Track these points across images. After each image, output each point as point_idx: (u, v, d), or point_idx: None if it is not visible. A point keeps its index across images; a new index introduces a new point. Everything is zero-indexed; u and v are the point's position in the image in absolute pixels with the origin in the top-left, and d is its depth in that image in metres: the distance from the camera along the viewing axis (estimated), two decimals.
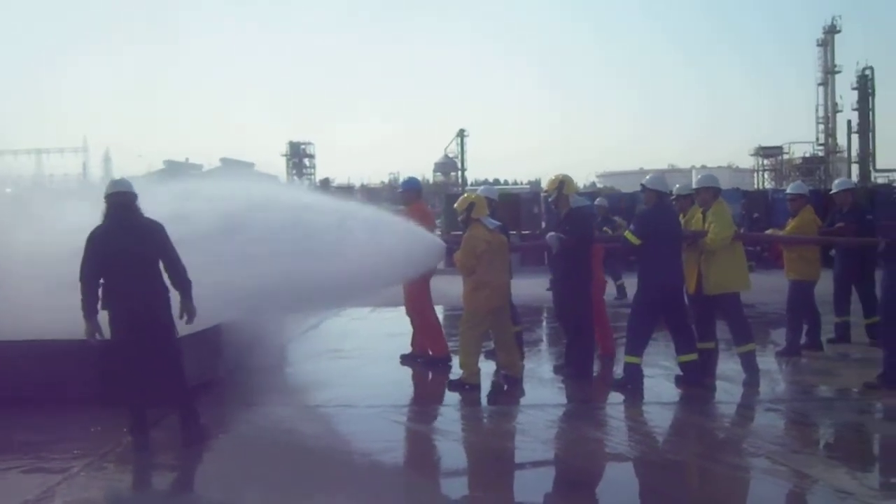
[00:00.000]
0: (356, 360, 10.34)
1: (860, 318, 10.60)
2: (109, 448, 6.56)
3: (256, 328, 8.96)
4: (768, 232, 11.42)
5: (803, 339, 10.16)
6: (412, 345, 10.10)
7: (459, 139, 72.62)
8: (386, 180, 73.81)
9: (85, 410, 7.42)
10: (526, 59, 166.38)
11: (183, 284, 6.63)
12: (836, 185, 11.12)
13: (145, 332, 6.49)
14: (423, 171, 70.83)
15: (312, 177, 71.78)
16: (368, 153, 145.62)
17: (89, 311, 6.42)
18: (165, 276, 6.66)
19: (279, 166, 72.55)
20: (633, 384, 8.38)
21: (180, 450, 6.58)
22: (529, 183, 68.93)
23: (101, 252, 6.43)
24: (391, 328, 12.27)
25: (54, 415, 7.40)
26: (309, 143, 75.20)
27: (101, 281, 6.48)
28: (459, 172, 72.59)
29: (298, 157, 74.02)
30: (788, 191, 10.81)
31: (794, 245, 10.10)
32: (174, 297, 6.68)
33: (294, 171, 72.18)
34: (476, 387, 8.45)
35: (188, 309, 6.66)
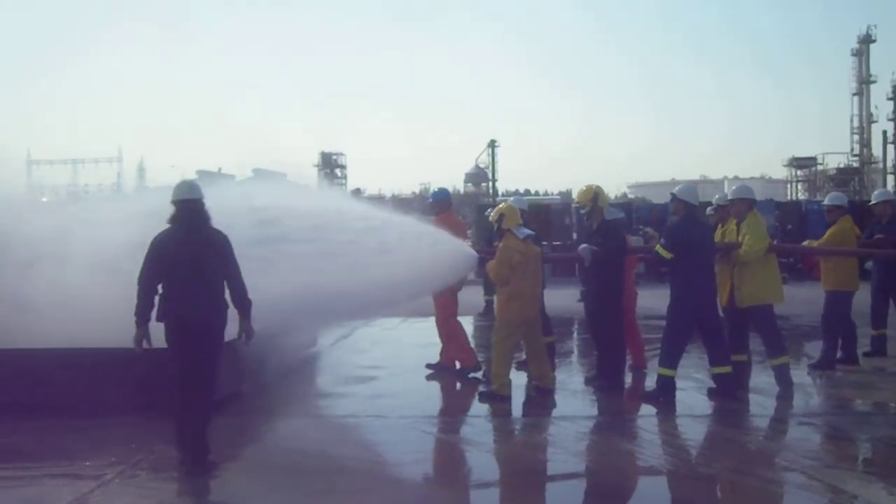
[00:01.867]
0: (386, 370, 10.35)
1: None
2: (143, 456, 6.61)
3: (285, 339, 8.95)
4: (805, 244, 11.32)
5: (839, 353, 10.04)
6: (441, 354, 10.11)
7: (490, 150, 72.55)
8: (417, 191, 73.93)
9: (119, 418, 7.47)
10: (556, 69, 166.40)
11: (243, 302, 6.35)
12: (875, 197, 11.00)
13: (198, 343, 6.25)
14: (454, 181, 70.77)
15: (344, 187, 72.01)
16: (400, 164, 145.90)
17: (142, 318, 6.18)
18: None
19: (311, 176, 72.88)
20: (665, 396, 8.33)
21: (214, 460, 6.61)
22: (560, 193, 68.74)
23: (163, 258, 6.19)
24: (422, 338, 12.27)
25: (87, 422, 7.46)
26: (340, 154, 75.52)
27: (160, 288, 6.25)
28: (490, 183, 72.53)
29: (330, 167, 74.28)
30: (826, 202, 10.70)
31: (830, 256, 9.99)
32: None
33: (326, 182, 72.49)
34: (507, 398, 8.44)
35: (246, 329, 6.43)
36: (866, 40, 66.47)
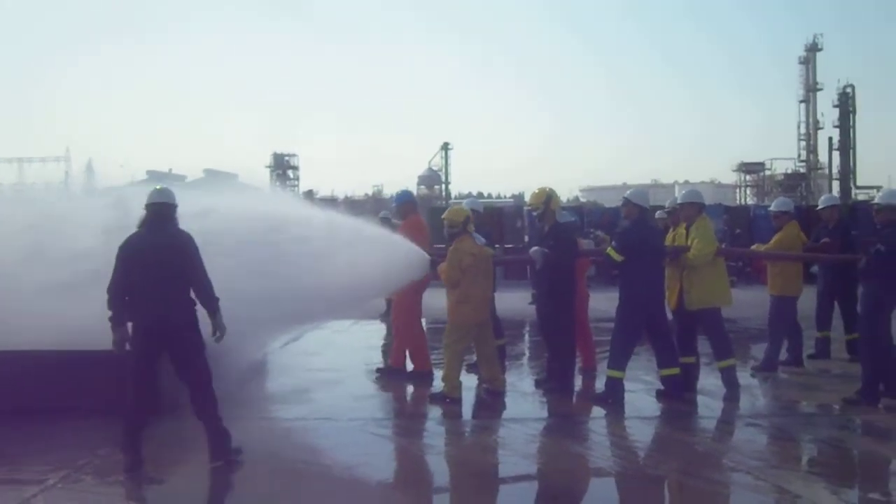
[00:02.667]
0: (337, 372, 10.27)
1: (841, 333, 10.65)
2: (87, 460, 6.49)
3: (234, 342, 8.82)
4: (753, 247, 11.48)
5: (784, 355, 10.21)
6: (391, 357, 10.09)
7: (444, 152, 72.75)
8: (370, 192, 73.79)
9: (63, 422, 7.36)
10: (511, 73, 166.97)
11: (209, 301, 6.39)
12: (822, 202, 11.18)
13: (166, 346, 6.32)
14: (407, 183, 70.77)
15: (296, 188, 71.58)
16: (352, 165, 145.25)
17: (117, 320, 6.24)
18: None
19: (263, 178, 72.37)
20: (614, 398, 8.40)
21: (159, 465, 6.52)
22: (513, 197, 69.02)
23: (128, 260, 6.27)
24: (372, 341, 12.25)
25: (30, 426, 7.32)
26: (293, 155, 75.07)
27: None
28: (443, 186, 72.64)
29: (282, 168, 73.83)
30: (773, 207, 10.84)
31: (777, 261, 10.14)
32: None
33: (278, 183, 72.00)
34: (457, 400, 8.45)
35: (218, 326, 6.45)
36: (813, 48, 67.74)
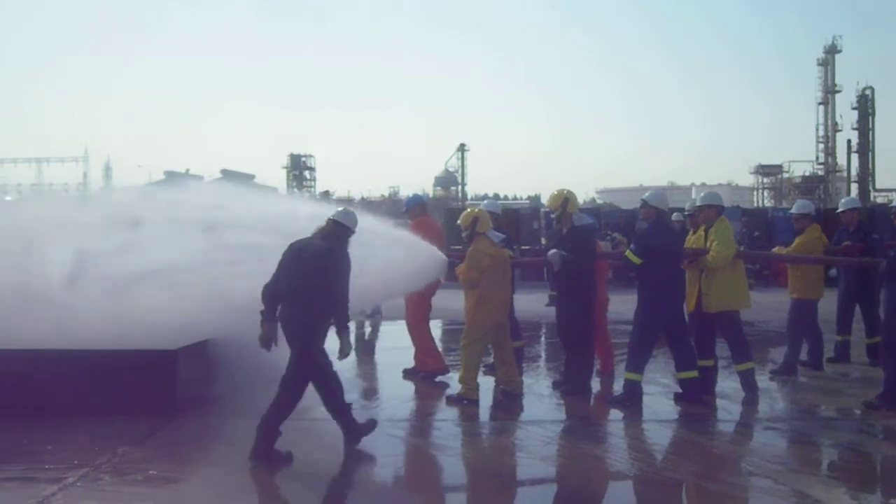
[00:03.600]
0: (353, 373, 10.27)
1: (861, 337, 10.58)
2: (106, 459, 6.50)
3: (252, 341, 8.84)
4: (774, 250, 11.41)
5: (804, 358, 10.15)
6: (415, 359, 10.09)
7: (460, 154, 72.83)
8: (386, 193, 73.88)
9: (82, 420, 7.39)
10: (527, 75, 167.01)
11: (340, 322, 6.82)
12: (842, 204, 11.07)
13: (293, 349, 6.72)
14: (424, 184, 70.98)
15: (313, 189, 71.80)
16: (369, 166, 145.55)
17: (268, 315, 6.66)
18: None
19: (280, 178, 72.66)
20: (631, 401, 8.38)
21: (179, 462, 6.59)
22: (529, 198, 69.07)
23: (287, 264, 6.69)
24: (388, 342, 12.23)
25: (49, 424, 7.34)
26: (309, 156, 75.21)
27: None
28: (460, 187, 72.69)
29: (299, 169, 74.03)
30: (794, 210, 10.79)
31: (798, 264, 10.09)
32: None
33: (294, 184, 72.23)
34: (474, 402, 8.44)
35: (344, 344, 6.89)
36: (832, 50, 67.41)
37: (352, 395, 9.10)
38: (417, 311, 9.79)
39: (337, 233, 6.88)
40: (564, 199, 9.00)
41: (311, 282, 6.58)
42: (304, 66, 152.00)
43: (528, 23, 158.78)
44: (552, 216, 9.35)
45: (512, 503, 6.16)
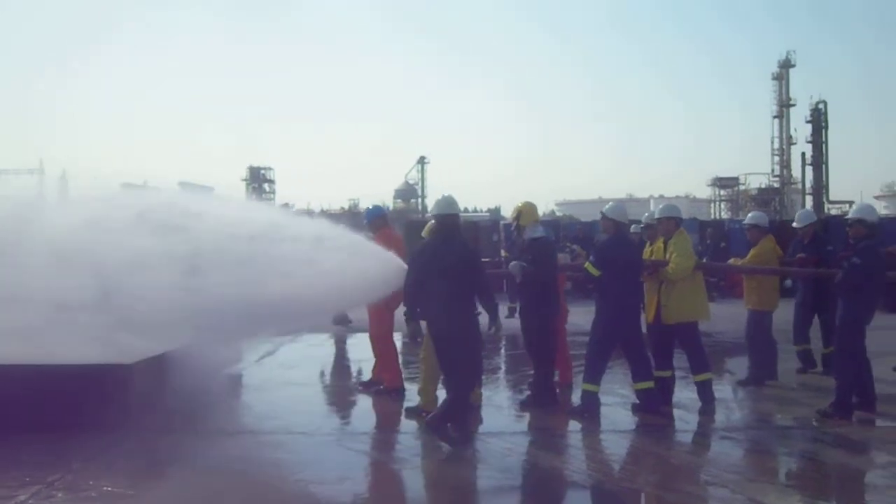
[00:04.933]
0: (313, 387, 10.23)
1: (818, 346, 10.70)
2: (59, 475, 6.38)
3: (209, 355, 8.75)
4: (730, 261, 11.52)
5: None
6: (373, 372, 10.05)
7: (420, 166, 72.86)
8: (346, 206, 73.62)
9: (34, 436, 7.24)
10: (488, 88, 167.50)
11: (490, 303, 7.55)
12: (799, 219, 10.96)
13: (466, 336, 7.26)
14: (384, 197, 70.70)
15: (272, 201, 71.32)
16: (328, 179, 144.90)
17: (412, 315, 7.37)
18: None
19: (239, 190, 72.06)
20: (589, 412, 8.41)
21: (135, 478, 6.48)
22: (489, 210, 69.13)
23: (427, 265, 7.33)
24: (349, 355, 12.19)
25: (0, 441, 7.15)
26: (269, 168, 74.79)
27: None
28: (420, 199, 72.69)
29: (258, 181, 73.57)
30: (747, 221, 10.89)
31: (755, 275, 10.22)
32: None
33: (254, 196, 71.71)
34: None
35: (498, 326, 7.73)
36: (786, 65, 68.38)
37: (308, 407, 9.09)
38: (381, 324, 9.74)
39: (457, 223, 7.72)
40: (518, 212, 9.08)
41: (467, 276, 7.32)
42: (262, 77, 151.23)
43: (492, 34, 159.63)
44: (512, 228, 9.37)
45: None
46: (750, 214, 11.25)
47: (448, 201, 7.70)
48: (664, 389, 8.85)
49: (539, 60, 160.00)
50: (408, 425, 8.40)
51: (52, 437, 7.22)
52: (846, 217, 9.24)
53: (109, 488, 6.20)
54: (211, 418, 8.44)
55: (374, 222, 10.07)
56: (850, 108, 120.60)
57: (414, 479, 6.94)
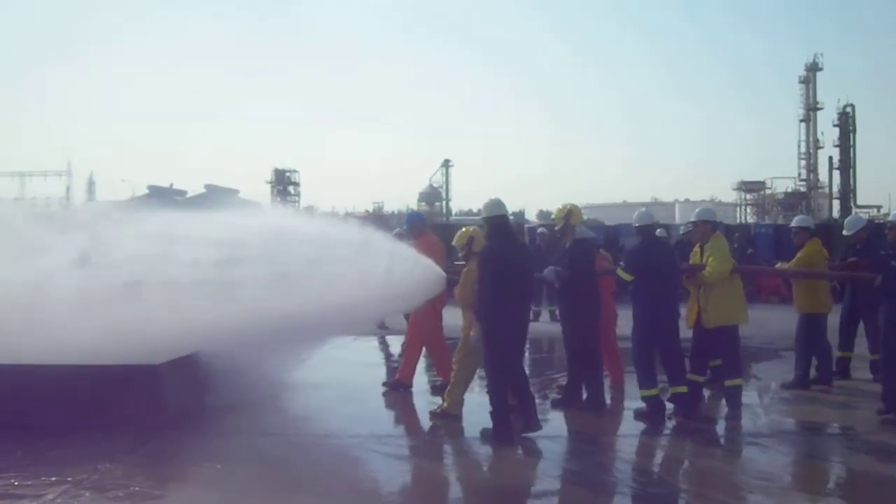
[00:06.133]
0: (336, 389, 10.16)
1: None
2: (87, 475, 6.40)
3: (241, 359, 8.70)
4: (777, 265, 11.43)
5: (813, 374, 10.12)
6: (398, 371, 10.07)
7: (444, 169, 72.77)
8: (370, 209, 73.78)
9: (62, 437, 7.25)
10: (512, 91, 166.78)
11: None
12: (848, 226, 10.69)
13: (523, 333, 7.83)
14: (408, 200, 70.65)
15: (297, 204, 71.55)
16: (353, 182, 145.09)
17: (484, 317, 7.44)
18: None
19: (264, 193, 72.35)
20: (656, 416, 8.40)
21: (163, 478, 6.51)
22: (513, 214, 69.05)
23: (500, 266, 7.47)
24: (373, 358, 12.15)
25: (28, 440, 7.19)
26: (294, 171, 74.87)
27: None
28: (444, 202, 72.65)
29: (283, 184, 73.67)
30: (794, 224, 10.82)
31: (798, 279, 10.15)
32: None
33: (279, 199, 71.97)
34: (458, 417, 8.37)
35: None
36: (813, 68, 67.77)
37: (333, 410, 9.08)
38: (426, 322, 9.71)
39: (507, 222, 8.10)
40: (568, 212, 9.02)
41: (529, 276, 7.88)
42: (287, 80, 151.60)
43: (515, 39, 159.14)
44: (556, 229, 9.29)
45: None
46: (797, 217, 11.22)
47: (497, 203, 7.91)
48: (698, 394, 8.83)
49: (562, 64, 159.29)
50: (431, 428, 8.46)
51: (82, 437, 7.23)
52: (888, 220, 9.14)
53: (136, 488, 6.22)
54: (237, 419, 8.43)
55: (415, 227, 10.06)
56: (878, 111, 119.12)
57: (437, 482, 6.93)
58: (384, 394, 9.94)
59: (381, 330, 15.34)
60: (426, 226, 10.35)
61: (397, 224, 19.24)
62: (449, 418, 8.36)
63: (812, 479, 7.01)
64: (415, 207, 69.88)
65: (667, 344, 8.53)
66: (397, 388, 9.79)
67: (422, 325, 9.75)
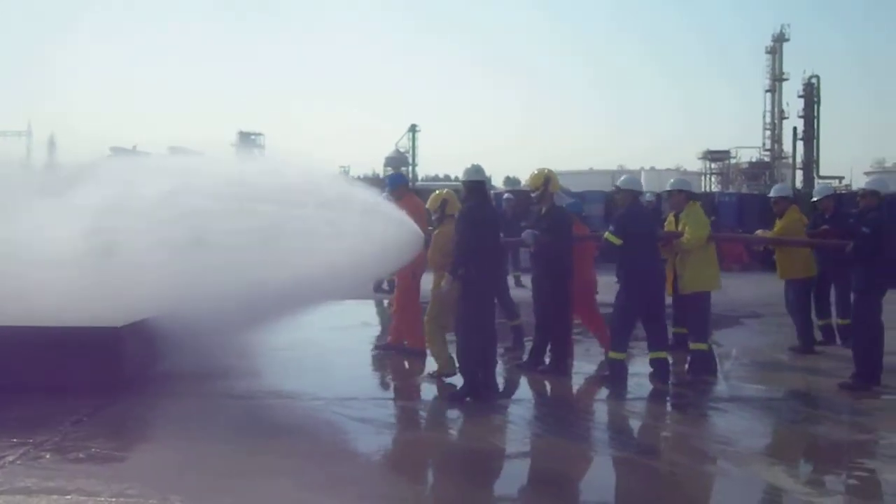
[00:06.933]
0: (303, 351, 10.04)
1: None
2: (47, 437, 6.25)
3: (204, 323, 8.45)
4: (757, 233, 11.53)
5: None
6: (391, 333, 10.07)
7: (411, 134, 72.38)
8: (337, 173, 73.27)
9: (24, 398, 7.10)
10: (478, 57, 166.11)
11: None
12: (817, 193, 11.07)
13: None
14: (374, 165, 70.21)
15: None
16: (319, 145, 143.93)
17: (464, 272, 7.59)
18: None
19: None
20: (615, 380, 8.42)
21: (120, 442, 6.41)
22: None
23: (479, 226, 7.69)
24: (338, 321, 12.02)
25: None
26: (259, 134, 74.12)
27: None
28: (411, 167, 72.37)
29: (248, 147, 73.16)
30: (773, 193, 11.05)
31: (778, 245, 10.33)
32: None
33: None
34: (453, 374, 8.28)
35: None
36: (780, 39, 68.07)
37: (299, 375, 8.98)
38: (409, 284, 9.58)
39: (486, 190, 8.43)
40: (546, 178, 8.94)
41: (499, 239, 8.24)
42: (252, 41, 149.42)
43: (484, 7, 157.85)
44: (532, 195, 9.21)
45: (486, 482, 6.01)
46: (776, 187, 11.62)
47: (477, 168, 8.04)
48: (707, 360, 8.98)
49: (529, 32, 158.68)
50: (401, 390, 8.61)
51: (41, 400, 7.09)
52: (859, 189, 9.36)
53: (96, 450, 6.09)
54: (198, 382, 8.27)
55: (397, 190, 9.85)
56: (843, 83, 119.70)
57: (425, 445, 6.93)
58: (374, 356, 10.08)
59: (378, 293, 15.16)
60: (408, 187, 10.16)
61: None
62: (442, 378, 8.41)
63: (771, 444, 7.02)
64: (381, 172, 69.60)
65: (654, 310, 8.55)
66: (411, 355, 9.57)
67: (409, 284, 9.59)
